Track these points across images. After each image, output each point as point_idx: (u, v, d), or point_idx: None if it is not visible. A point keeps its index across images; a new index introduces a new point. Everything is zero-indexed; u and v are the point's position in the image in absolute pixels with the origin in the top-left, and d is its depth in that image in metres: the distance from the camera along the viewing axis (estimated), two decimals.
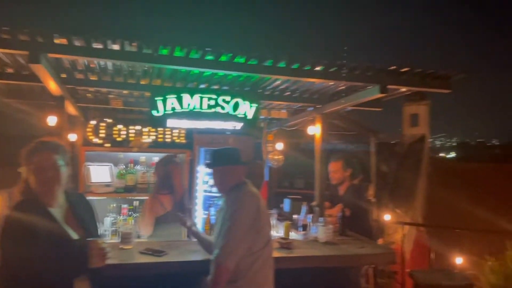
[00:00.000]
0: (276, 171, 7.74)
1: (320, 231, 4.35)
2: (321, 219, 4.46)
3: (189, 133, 6.69)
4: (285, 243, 4.09)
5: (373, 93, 3.63)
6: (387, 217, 7.44)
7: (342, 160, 5.18)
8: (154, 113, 4.10)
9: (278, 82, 4.28)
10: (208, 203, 6.99)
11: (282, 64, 3.49)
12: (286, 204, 5.83)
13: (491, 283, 5.55)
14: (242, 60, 3.37)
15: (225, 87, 4.53)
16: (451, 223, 8.17)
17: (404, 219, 7.68)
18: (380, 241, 7.42)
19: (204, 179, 7.10)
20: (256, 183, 7.19)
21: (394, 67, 3.46)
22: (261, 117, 6.32)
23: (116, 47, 3.16)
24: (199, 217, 6.81)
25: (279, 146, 6.87)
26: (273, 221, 5.14)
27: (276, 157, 6.77)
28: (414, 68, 3.44)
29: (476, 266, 5.99)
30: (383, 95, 3.55)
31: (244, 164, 3.23)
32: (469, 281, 4.72)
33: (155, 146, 6.33)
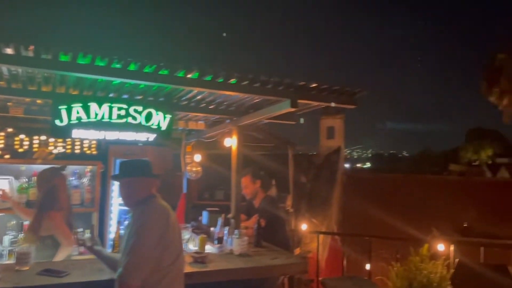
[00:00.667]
0: (196, 183, 7.64)
1: (235, 243, 4.34)
2: (236, 231, 4.45)
3: (102, 143, 6.37)
4: (199, 257, 4.02)
5: (285, 107, 3.72)
6: (304, 226, 7.66)
7: (249, 174, 5.22)
8: (57, 122, 3.82)
9: (193, 93, 4.22)
10: (124, 218, 6.68)
11: (194, 76, 3.45)
12: (205, 217, 5.75)
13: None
14: (151, 70, 3.27)
15: (137, 97, 4.37)
16: (364, 231, 8.63)
17: (320, 228, 7.98)
18: (297, 251, 7.61)
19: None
20: (175, 196, 7.06)
21: (303, 82, 3.59)
22: (179, 128, 6.21)
23: (9, 51, 2.89)
24: (113, 232, 6.47)
25: (197, 157, 6.79)
26: (188, 235, 5.04)
27: (194, 168, 6.67)
28: (321, 84, 3.59)
29: (384, 272, 6.37)
30: (294, 109, 3.64)
31: (154, 176, 3.12)
32: (376, 287, 4.98)
33: (63, 157, 5.92)
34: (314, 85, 3.60)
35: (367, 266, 6.55)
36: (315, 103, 3.93)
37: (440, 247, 6.39)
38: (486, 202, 9.15)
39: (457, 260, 6.40)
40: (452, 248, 6.41)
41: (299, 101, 3.71)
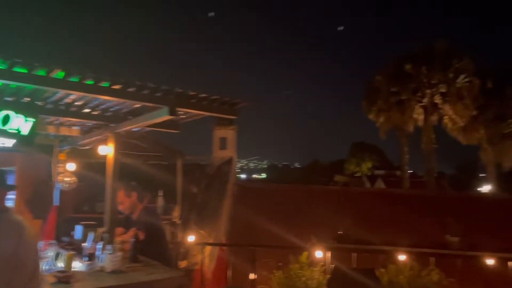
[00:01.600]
0: (73, 194, 7.01)
1: (107, 259, 4.02)
2: (109, 246, 4.12)
3: None
4: (63, 277, 3.62)
5: (163, 114, 3.57)
6: (191, 238, 7.49)
7: (122, 188, 4.91)
8: None
9: (59, 95, 3.84)
10: None
11: (58, 75, 3.12)
12: (78, 231, 5.25)
13: None
14: (5, 66, 2.87)
15: None
16: (253, 241, 8.76)
17: (208, 240, 7.88)
18: (184, 263, 7.40)
19: None
20: (43, 208, 6.37)
21: (181, 90, 3.47)
22: (51, 134, 5.63)
23: None
24: None
25: (71, 166, 6.22)
26: (53, 252, 4.55)
27: (67, 178, 6.10)
28: (200, 92, 3.52)
29: (269, 280, 6.50)
30: (172, 117, 3.50)
31: (5, 187, 2.73)
32: None
33: None
34: (192, 93, 3.51)
35: (251, 276, 6.61)
36: (195, 112, 3.84)
37: (318, 254, 6.75)
38: (362, 210, 9.95)
39: (333, 266, 6.82)
40: (329, 254, 6.81)
41: (179, 109, 3.59)
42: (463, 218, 9.38)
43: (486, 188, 24.66)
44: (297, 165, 70.84)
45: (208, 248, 7.63)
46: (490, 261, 6.59)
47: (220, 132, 10.19)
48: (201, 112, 3.75)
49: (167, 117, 3.56)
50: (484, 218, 9.65)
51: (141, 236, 4.61)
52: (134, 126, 4.13)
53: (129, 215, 5.09)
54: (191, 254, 7.94)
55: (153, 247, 4.74)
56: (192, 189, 9.98)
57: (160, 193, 7.96)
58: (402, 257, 6.31)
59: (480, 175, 29.93)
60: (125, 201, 4.86)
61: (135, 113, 4.34)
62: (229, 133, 10.31)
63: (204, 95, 3.47)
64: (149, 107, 3.93)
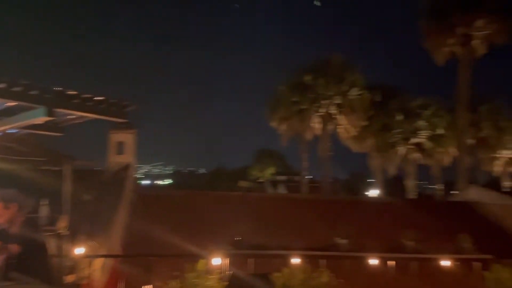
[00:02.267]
0: None
1: None
2: None
3: None
4: None
5: (39, 115, 3.21)
6: (80, 250, 6.93)
7: None
8: None
9: None
10: None
11: None
12: None
13: None
14: None
15: None
16: (152, 250, 8.42)
17: (101, 251, 7.36)
18: (70, 278, 6.79)
19: None
20: None
21: (61, 88, 3.16)
22: None
23: None
24: None
25: None
26: None
27: None
28: (82, 93, 3.24)
29: None
30: (50, 118, 3.17)
31: None
32: None
33: None
34: (73, 92, 3.22)
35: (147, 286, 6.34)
36: (79, 114, 3.53)
37: (216, 261, 6.70)
38: (261, 215, 10.17)
39: (230, 272, 6.82)
40: (226, 261, 6.80)
41: (58, 110, 3.26)
42: (353, 220, 10.12)
43: (374, 193, 27.00)
44: (203, 171, 70.46)
45: (99, 260, 7.13)
46: (374, 261, 7.17)
47: (116, 136, 9.62)
48: (86, 114, 3.45)
49: (44, 118, 3.21)
50: (370, 220, 10.51)
51: (15, 251, 4.11)
52: (9, 127, 3.67)
53: (5, 228, 4.50)
54: (79, 268, 7.34)
55: (30, 262, 4.25)
56: (83, 197, 9.27)
57: (44, 202, 7.24)
58: (296, 261, 6.55)
59: (370, 180, 32.72)
60: (3, 213, 4.27)
61: (8, 113, 3.86)
62: (127, 137, 9.80)
63: (87, 95, 3.20)
64: (24, 107, 3.53)
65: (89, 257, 6.41)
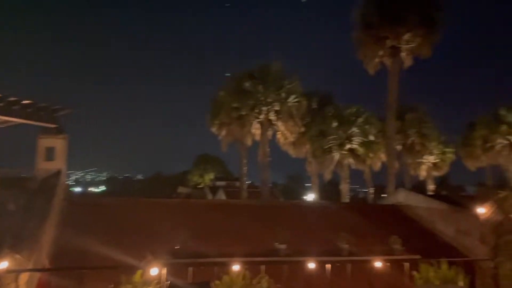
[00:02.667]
0: None
1: None
2: None
3: None
4: None
5: None
6: (3, 264, 6.44)
7: None
8: None
9: None
10: None
11: None
12: None
13: None
14: None
15: None
16: (87, 262, 7.93)
17: (27, 265, 6.85)
18: None
19: None
20: None
21: None
22: None
23: None
24: None
25: None
26: None
27: None
28: (6, 96, 3.00)
29: None
30: None
31: None
32: None
33: None
34: None
35: None
36: (3, 118, 3.26)
37: (154, 271, 6.51)
38: (201, 222, 10.05)
39: (168, 282, 6.65)
40: (164, 271, 6.62)
41: None
42: (291, 225, 10.33)
43: (311, 197, 27.75)
44: (140, 177, 68.16)
45: (25, 275, 6.64)
46: (311, 265, 7.35)
47: (45, 142, 9.03)
48: (10, 119, 3.20)
49: None
50: (308, 224, 10.79)
51: None
52: None
53: None
54: (4, 284, 6.80)
55: None
56: (8, 206, 8.61)
57: None
58: (236, 267, 6.54)
59: (307, 184, 33.61)
60: None
61: None
62: (58, 143, 9.24)
63: (14, 98, 2.97)
64: None
65: (12, 272, 5.96)
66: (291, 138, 21.72)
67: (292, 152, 23.37)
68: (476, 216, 10.31)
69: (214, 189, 35.31)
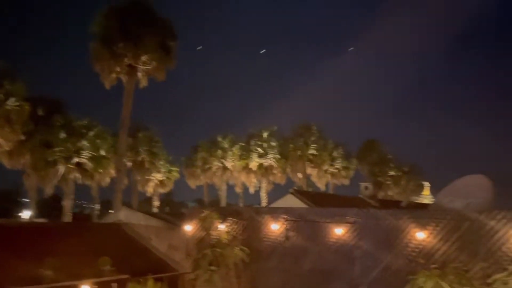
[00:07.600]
0: None
1: None
2: None
3: None
4: None
5: None
6: None
7: None
8: None
9: None
10: None
11: None
12: None
13: None
14: None
15: None
16: None
17: None
18: None
19: None
20: None
21: None
22: None
23: None
24: None
25: None
26: None
27: None
28: None
29: None
30: None
31: None
32: None
33: None
34: None
35: None
36: None
37: None
38: None
39: None
40: None
41: None
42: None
43: (27, 214, 24.56)
44: None
45: None
46: None
47: None
48: None
49: None
50: (13, 249, 9.41)
51: None
52: None
53: None
54: None
55: None
56: None
57: None
58: None
59: (24, 200, 29.43)
60: None
61: None
62: None
63: None
64: None
65: None
66: (7, 147, 18.83)
67: (7, 162, 20.22)
68: (184, 233, 11.45)
69: None
